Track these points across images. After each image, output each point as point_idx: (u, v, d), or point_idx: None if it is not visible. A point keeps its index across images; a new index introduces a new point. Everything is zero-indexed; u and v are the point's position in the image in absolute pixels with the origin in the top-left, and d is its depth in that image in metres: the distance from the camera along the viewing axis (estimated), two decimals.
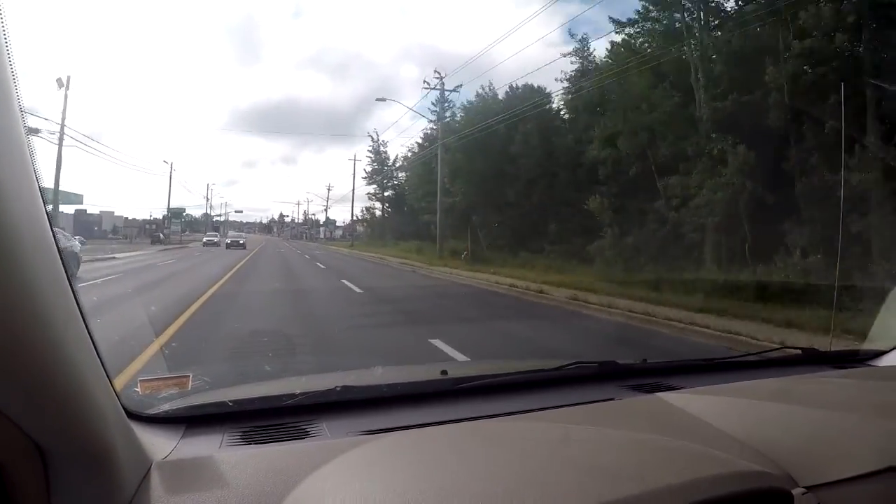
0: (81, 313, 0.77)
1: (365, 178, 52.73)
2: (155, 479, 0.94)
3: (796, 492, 1.00)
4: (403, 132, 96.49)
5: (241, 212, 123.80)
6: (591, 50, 25.06)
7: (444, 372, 1.62)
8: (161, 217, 54.15)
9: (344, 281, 14.82)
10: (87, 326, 0.79)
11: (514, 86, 27.39)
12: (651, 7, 20.07)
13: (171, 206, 54.82)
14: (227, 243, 40.49)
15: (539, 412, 1.34)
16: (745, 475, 0.97)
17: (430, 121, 31.93)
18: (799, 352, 2.12)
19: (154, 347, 4.94)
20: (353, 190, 56.05)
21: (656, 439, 1.12)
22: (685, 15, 19.21)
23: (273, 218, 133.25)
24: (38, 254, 0.66)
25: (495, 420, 1.28)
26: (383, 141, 51.36)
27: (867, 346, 2.16)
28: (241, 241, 40.30)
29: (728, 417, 1.26)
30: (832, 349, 2.31)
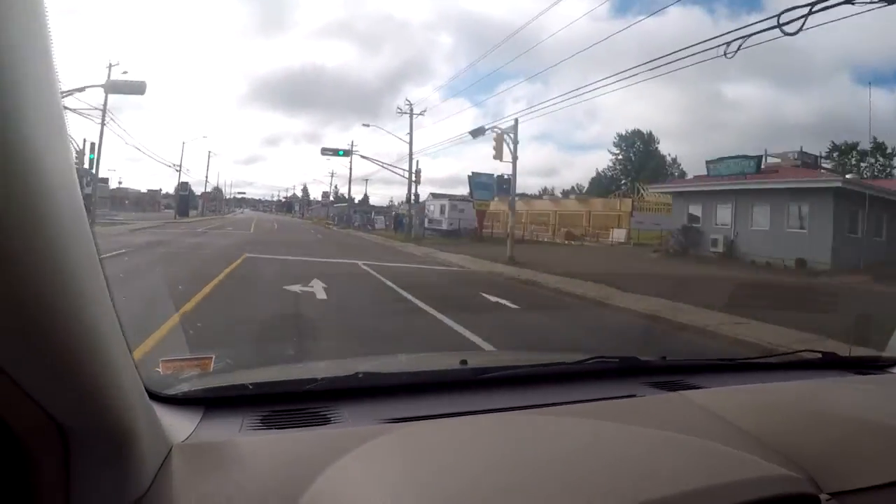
0: (108, 290, 0.76)
1: None
2: (176, 462, 0.93)
3: (822, 497, 0.98)
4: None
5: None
6: None
7: (463, 361, 1.61)
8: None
9: None
10: (112, 303, 0.78)
11: None
12: None
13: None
14: None
15: (562, 406, 1.33)
16: (777, 479, 0.95)
17: None
18: (819, 355, 2.10)
19: None
20: None
21: (687, 439, 1.10)
22: None
23: (294, 194, 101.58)
24: (72, 228, 0.64)
25: (519, 412, 1.27)
26: None
27: (888, 353, 2.13)
28: None
29: (750, 419, 1.25)
30: (852, 354, 2.28)
